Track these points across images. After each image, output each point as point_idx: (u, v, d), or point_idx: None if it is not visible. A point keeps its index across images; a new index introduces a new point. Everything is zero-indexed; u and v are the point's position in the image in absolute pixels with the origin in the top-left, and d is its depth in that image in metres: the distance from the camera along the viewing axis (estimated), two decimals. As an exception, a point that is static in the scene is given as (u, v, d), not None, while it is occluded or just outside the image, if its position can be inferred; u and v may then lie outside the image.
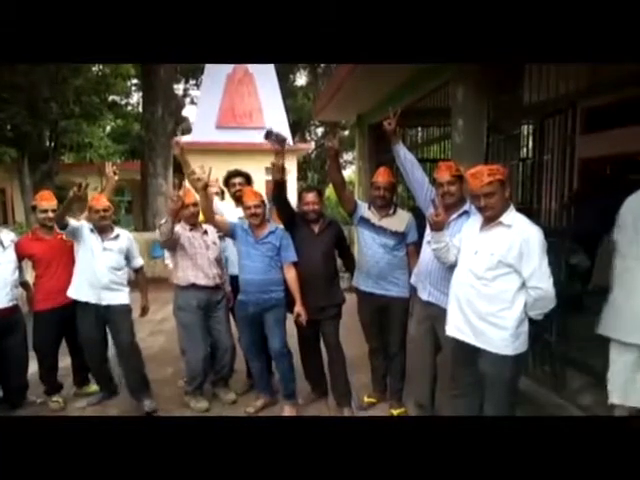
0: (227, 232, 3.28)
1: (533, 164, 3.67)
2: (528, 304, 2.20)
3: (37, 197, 3.46)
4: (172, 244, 3.29)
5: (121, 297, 3.37)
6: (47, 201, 3.40)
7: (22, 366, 3.37)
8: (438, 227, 2.43)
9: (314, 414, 3.33)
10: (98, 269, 3.28)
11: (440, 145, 7.95)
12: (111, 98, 14.36)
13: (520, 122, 3.88)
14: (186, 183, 3.48)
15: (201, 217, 3.36)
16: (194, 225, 3.41)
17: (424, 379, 2.88)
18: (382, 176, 3.15)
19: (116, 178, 3.69)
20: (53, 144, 12.29)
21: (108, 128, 16.11)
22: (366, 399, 3.45)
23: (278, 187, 3.15)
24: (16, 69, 9.19)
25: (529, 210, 3.34)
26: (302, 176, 18.60)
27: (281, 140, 3.23)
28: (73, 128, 11.88)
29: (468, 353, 2.35)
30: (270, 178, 3.23)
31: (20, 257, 3.37)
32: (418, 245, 2.99)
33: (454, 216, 2.64)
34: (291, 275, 3.16)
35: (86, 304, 3.29)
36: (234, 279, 3.45)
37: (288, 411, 3.29)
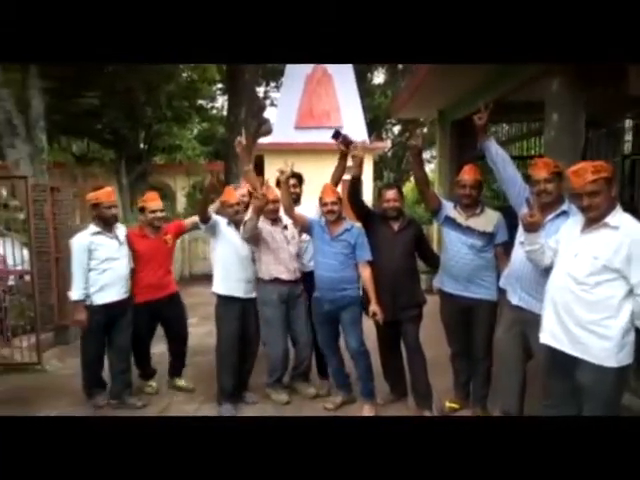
0: (304, 227, 3.34)
1: (636, 161, 3.37)
2: (636, 313, 2.02)
3: (145, 198, 3.65)
4: (255, 239, 3.35)
5: None
6: (155, 202, 3.59)
7: (128, 353, 3.56)
8: (533, 228, 2.30)
9: (394, 415, 3.30)
10: (242, 262, 3.39)
11: (526, 142, 7.55)
12: (198, 102, 15.15)
13: (623, 116, 3.57)
14: (269, 182, 3.54)
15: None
16: (275, 220, 3.45)
17: (512, 386, 2.73)
18: (468, 174, 3.04)
19: (250, 168, 3.69)
20: (147, 146, 13.26)
21: (195, 131, 17.06)
22: (448, 404, 3.36)
23: (354, 186, 3.16)
24: (115, 75, 9.99)
25: (633, 210, 3.07)
26: (378, 175, 18.46)
27: (348, 142, 3.25)
28: (165, 131, 12.75)
29: (564, 363, 2.20)
30: (348, 177, 3.25)
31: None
32: (507, 246, 2.85)
33: (551, 216, 2.47)
34: (366, 274, 3.15)
35: (231, 298, 3.37)
36: (308, 275, 3.47)
37: (367, 410, 3.29)
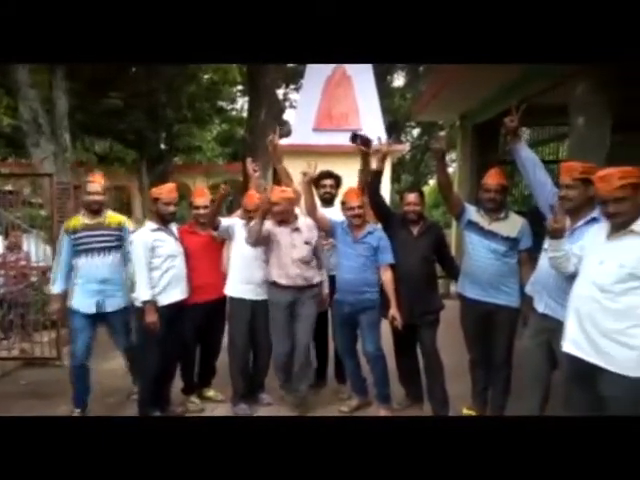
0: (327, 230, 3.32)
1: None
2: (662, 323, 1.96)
3: (193, 194, 3.57)
4: (262, 242, 3.24)
5: None
6: (200, 197, 3.43)
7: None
8: (557, 234, 2.24)
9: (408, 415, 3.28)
10: (253, 264, 3.34)
11: (551, 146, 7.42)
12: (219, 104, 15.30)
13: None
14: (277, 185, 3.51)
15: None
16: (284, 222, 3.28)
17: (535, 396, 2.66)
18: (493, 178, 2.99)
19: (257, 175, 3.69)
20: (168, 147, 13.43)
21: (214, 132, 17.22)
22: (465, 411, 3.31)
23: (375, 181, 3.15)
24: (138, 77, 10.16)
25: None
26: (396, 178, 18.38)
27: (366, 142, 3.24)
28: (185, 132, 12.89)
29: (586, 372, 2.14)
30: (369, 180, 3.24)
31: None
32: (533, 252, 2.79)
33: (580, 223, 2.39)
34: (387, 277, 3.13)
35: (243, 300, 3.34)
36: (331, 279, 3.45)
37: (384, 414, 3.27)
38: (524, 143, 2.78)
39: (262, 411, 3.44)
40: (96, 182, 3.25)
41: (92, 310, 3.19)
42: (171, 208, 3.21)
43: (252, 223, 3.19)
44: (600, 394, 2.11)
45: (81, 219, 3.25)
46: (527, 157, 2.73)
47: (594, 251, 2.15)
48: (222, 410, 3.46)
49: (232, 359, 3.40)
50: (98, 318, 3.26)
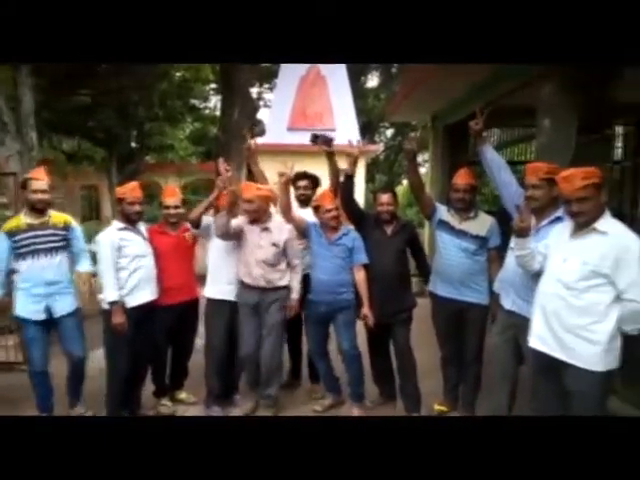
0: (302, 231, 3.32)
1: (627, 167, 3.40)
2: (623, 318, 2.04)
3: (163, 193, 3.46)
4: (230, 238, 3.19)
5: None
6: (171, 197, 3.35)
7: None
8: (523, 233, 2.31)
9: (384, 415, 3.31)
10: (231, 265, 3.28)
11: (520, 147, 7.60)
12: (191, 102, 15.09)
13: (614, 122, 3.61)
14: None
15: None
16: (256, 221, 3.23)
17: (503, 391, 2.74)
18: (462, 178, 3.05)
19: (228, 175, 3.46)
20: (139, 145, 13.17)
21: (187, 130, 16.98)
22: (436, 407, 3.37)
23: (347, 185, 3.17)
24: (109, 74, 9.92)
25: (622, 216, 3.10)
26: (370, 178, 18.50)
27: (328, 140, 3.25)
28: (157, 130, 12.66)
29: (552, 367, 2.22)
30: (341, 179, 3.24)
31: None
32: (501, 250, 2.86)
33: (544, 222, 2.47)
34: (360, 277, 3.16)
35: (220, 301, 3.31)
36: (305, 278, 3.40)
37: (357, 413, 3.29)
38: (489, 145, 2.85)
39: (236, 413, 3.41)
40: (40, 179, 3.05)
41: (41, 316, 3.03)
42: (136, 207, 3.12)
43: (219, 215, 3.14)
44: (566, 388, 2.18)
45: (23, 219, 3.05)
46: (492, 159, 2.80)
47: (558, 249, 2.22)
48: (195, 412, 3.42)
49: (209, 361, 3.36)
50: (48, 324, 3.09)
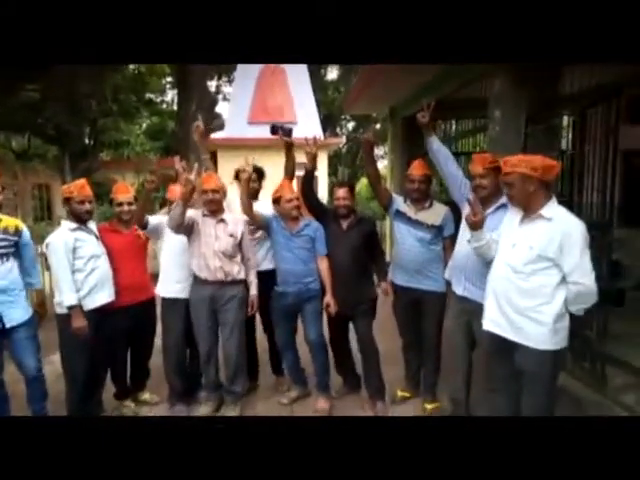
0: (261, 225, 3.30)
1: (573, 155, 3.57)
2: (568, 299, 2.15)
3: (113, 190, 3.29)
4: (184, 230, 3.06)
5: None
6: (123, 194, 3.24)
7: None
8: (477, 226, 2.39)
9: (348, 407, 3.36)
10: (185, 262, 3.21)
11: (476, 138, 7.79)
12: (147, 96, 14.70)
13: (560, 112, 3.77)
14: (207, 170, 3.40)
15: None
16: (213, 213, 3.16)
17: (459, 374, 2.85)
18: (417, 169, 3.12)
19: (185, 173, 3.29)
20: (92, 142, 12.73)
21: (144, 125, 16.52)
22: (399, 393, 3.45)
23: (307, 180, 3.19)
24: (56, 67, 9.50)
25: (569, 203, 3.26)
26: (333, 171, 18.58)
27: (287, 131, 3.26)
28: (111, 126, 12.27)
29: (505, 348, 2.32)
30: (302, 174, 3.25)
31: None
32: (454, 239, 2.95)
33: (491, 209, 2.58)
34: (323, 266, 3.20)
35: (175, 299, 3.26)
36: (262, 275, 3.35)
37: (322, 403, 3.33)
38: (436, 137, 2.92)
39: (203, 410, 3.38)
40: None
41: None
42: (86, 206, 3.00)
43: (173, 206, 3.04)
44: (517, 367, 2.28)
45: None
46: (439, 150, 2.88)
47: (508, 235, 2.33)
48: (159, 412, 3.37)
49: (167, 360, 3.32)
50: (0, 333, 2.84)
